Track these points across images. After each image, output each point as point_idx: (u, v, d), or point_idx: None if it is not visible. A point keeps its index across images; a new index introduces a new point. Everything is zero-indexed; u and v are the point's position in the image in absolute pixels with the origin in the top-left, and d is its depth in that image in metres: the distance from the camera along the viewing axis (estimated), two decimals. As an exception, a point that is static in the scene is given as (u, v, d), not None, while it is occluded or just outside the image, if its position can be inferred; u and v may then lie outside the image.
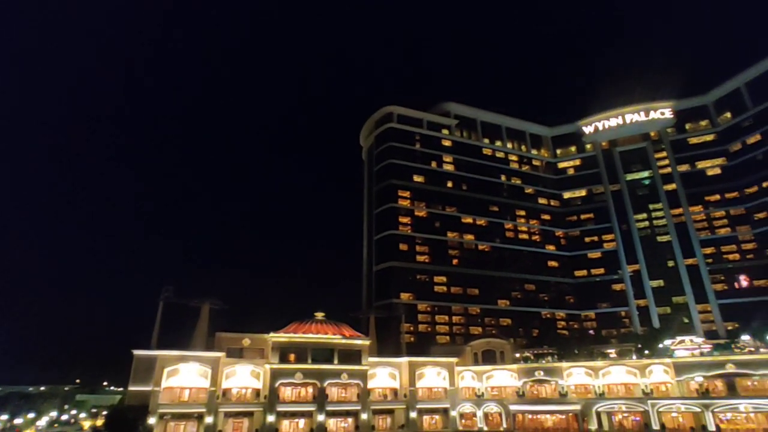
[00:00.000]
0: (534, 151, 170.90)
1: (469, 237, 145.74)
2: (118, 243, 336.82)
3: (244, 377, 79.58)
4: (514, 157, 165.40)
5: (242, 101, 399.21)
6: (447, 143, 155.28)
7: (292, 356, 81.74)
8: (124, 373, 76.09)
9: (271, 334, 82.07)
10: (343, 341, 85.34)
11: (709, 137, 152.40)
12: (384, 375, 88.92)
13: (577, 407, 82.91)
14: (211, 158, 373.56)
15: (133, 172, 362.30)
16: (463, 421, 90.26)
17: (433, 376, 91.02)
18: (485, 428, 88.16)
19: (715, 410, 75.27)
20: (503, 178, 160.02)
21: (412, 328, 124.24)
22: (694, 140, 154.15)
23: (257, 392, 79.14)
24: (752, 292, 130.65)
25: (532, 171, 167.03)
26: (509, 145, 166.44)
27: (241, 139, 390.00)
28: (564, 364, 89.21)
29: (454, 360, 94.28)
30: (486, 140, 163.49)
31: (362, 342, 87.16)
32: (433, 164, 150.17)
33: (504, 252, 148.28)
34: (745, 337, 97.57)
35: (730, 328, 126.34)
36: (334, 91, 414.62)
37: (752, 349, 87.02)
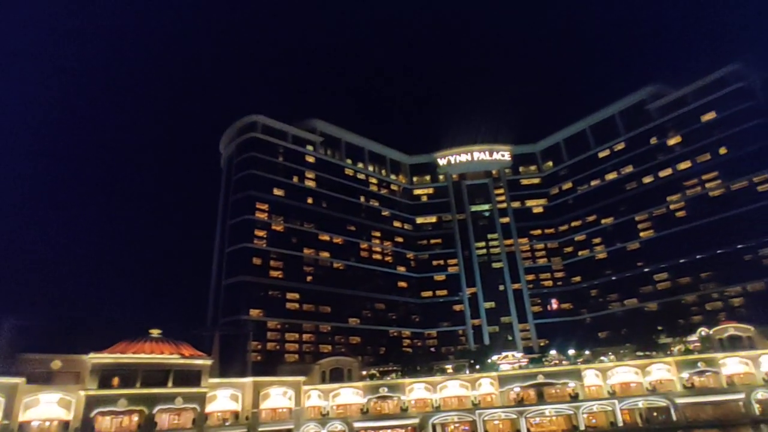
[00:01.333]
0: (393, 176, 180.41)
1: (325, 254, 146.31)
2: None
3: (49, 407, 66.86)
4: (374, 180, 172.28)
5: (100, 98, 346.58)
6: (310, 159, 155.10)
7: (116, 380, 71.41)
8: None
9: (92, 355, 70.77)
10: (181, 361, 77.57)
11: (536, 180, 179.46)
12: (225, 397, 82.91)
13: (416, 420, 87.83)
14: (54, 165, 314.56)
15: None
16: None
17: (278, 396, 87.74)
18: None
19: (528, 416, 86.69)
20: (362, 198, 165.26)
21: (260, 347, 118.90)
22: (525, 181, 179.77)
23: (66, 425, 67.15)
24: (559, 314, 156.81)
25: (390, 195, 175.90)
26: (370, 168, 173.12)
27: (88, 135, 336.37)
28: (407, 380, 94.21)
29: (301, 379, 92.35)
30: (349, 161, 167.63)
31: (203, 362, 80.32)
32: (295, 179, 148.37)
33: (358, 271, 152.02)
34: (552, 352, 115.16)
35: (542, 344, 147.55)
36: (196, 93, 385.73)
37: (557, 361, 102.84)
